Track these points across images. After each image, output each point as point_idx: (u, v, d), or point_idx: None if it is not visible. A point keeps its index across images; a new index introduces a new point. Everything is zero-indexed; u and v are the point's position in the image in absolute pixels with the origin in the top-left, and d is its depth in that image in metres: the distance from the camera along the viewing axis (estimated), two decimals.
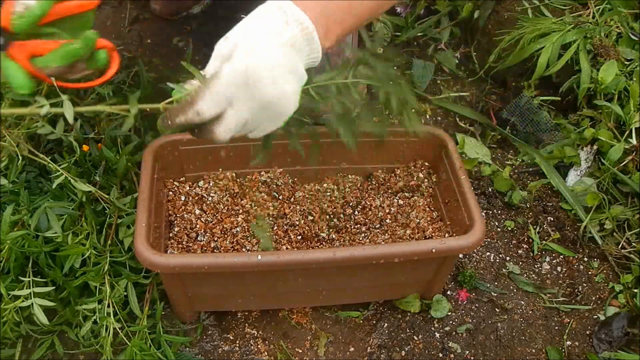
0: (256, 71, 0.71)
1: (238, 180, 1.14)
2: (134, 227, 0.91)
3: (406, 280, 1.06)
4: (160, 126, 0.73)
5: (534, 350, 1.09)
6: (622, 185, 1.26)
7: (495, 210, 1.29)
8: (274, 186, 1.14)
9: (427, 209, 1.14)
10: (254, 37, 0.72)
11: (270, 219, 1.11)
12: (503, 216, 1.29)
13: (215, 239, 1.06)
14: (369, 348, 1.08)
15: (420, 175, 1.16)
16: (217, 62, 0.73)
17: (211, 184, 1.12)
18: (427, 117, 1.45)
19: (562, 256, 1.23)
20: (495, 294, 1.16)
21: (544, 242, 1.24)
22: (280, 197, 1.14)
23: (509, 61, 1.40)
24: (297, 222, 1.10)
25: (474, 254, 1.22)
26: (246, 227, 1.08)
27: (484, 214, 1.28)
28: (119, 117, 1.16)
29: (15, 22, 0.72)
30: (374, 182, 1.18)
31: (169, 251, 1.03)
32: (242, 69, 0.71)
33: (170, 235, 1.06)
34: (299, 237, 1.09)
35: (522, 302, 1.16)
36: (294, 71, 0.74)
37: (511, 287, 1.18)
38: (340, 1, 0.77)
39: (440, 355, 1.07)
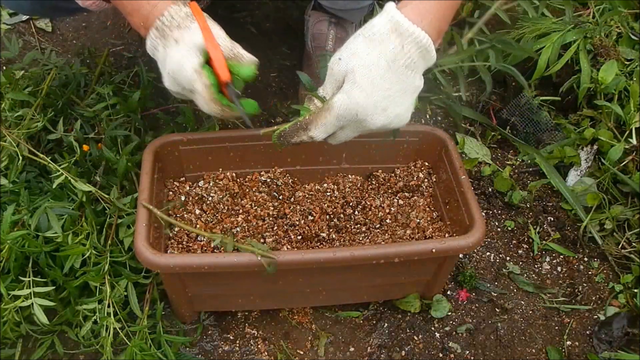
0: (366, 109, 0.75)
1: (238, 180, 1.14)
2: (134, 227, 0.92)
3: (406, 280, 1.06)
4: (277, 143, 0.84)
5: (534, 350, 1.09)
6: (622, 185, 1.26)
7: (495, 210, 1.29)
8: (274, 186, 1.14)
9: (427, 209, 1.14)
10: (366, 69, 0.74)
11: (270, 218, 1.11)
12: (503, 216, 1.29)
13: None
14: (369, 348, 1.08)
15: (420, 175, 1.16)
16: (332, 85, 0.79)
17: (211, 184, 1.12)
18: (427, 117, 1.45)
19: (562, 256, 1.23)
20: (495, 294, 1.16)
21: (544, 242, 1.24)
22: (280, 197, 1.14)
23: (509, 61, 1.40)
24: (297, 222, 1.10)
25: (474, 254, 1.22)
26: (246, 227, 1.08)
27: (484, 214, 1.28)
28: (119, 117, 1.16)
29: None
30: (374, 182, 1.18)
31: (169, 251, 1.03)
32: (352, 107, 0.75)
33: (170, 235, 1.06)
34: (299, 237, 1.09)
35: (522, 302, 1.16)
36: (408, 90, 0.76)
37: (511, 287, 1.18)
38: (446, 0, 0.76)
39: (440, 355, 1.07)
